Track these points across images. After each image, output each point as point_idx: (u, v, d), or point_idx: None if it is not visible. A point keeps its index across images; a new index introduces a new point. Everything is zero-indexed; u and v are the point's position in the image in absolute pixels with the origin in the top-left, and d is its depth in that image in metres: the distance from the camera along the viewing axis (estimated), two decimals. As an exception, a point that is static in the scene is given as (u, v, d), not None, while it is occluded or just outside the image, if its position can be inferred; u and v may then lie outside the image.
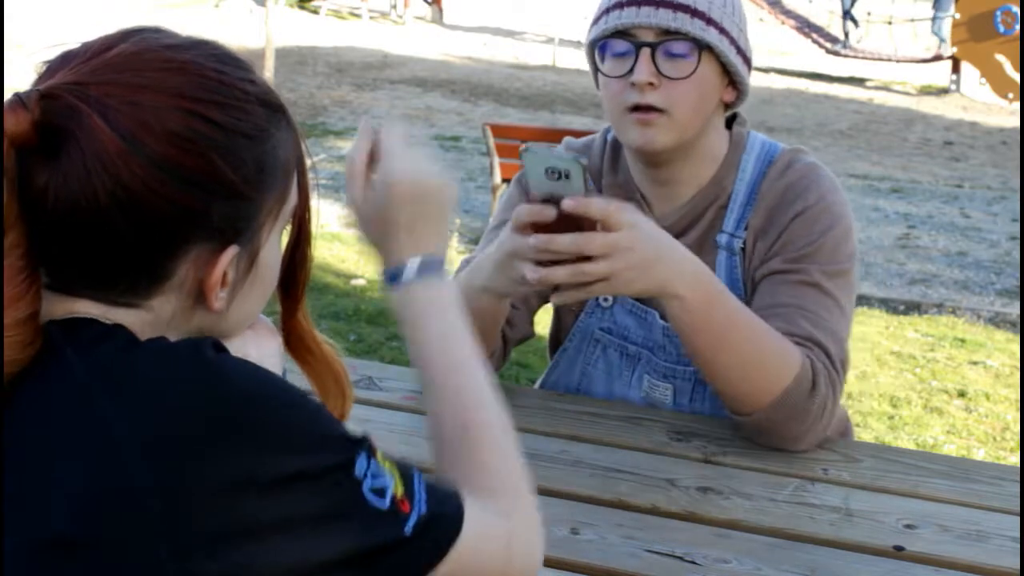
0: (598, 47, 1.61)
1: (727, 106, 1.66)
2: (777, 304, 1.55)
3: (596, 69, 1.63)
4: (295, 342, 1.00)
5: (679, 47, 1.55)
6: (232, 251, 0.85)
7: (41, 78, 0.83)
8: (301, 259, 0.97)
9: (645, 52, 1.55)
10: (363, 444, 0.84)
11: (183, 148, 0.80)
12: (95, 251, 0.81)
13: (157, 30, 0.86)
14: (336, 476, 0.81)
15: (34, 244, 0.80)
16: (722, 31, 1.57)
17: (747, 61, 1.63)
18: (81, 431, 0.76)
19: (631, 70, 1.56)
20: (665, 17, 1.54)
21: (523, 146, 1.34)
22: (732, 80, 1.62)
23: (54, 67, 0.83)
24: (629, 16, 1.56)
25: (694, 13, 1.55)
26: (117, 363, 0.80)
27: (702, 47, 1.55)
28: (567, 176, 1.32)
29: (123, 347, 0.81)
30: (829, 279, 1.57)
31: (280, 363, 1.01)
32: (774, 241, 1.61)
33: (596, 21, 1.62)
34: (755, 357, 1.47)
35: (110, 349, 0.81)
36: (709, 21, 1.56)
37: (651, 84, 1.55)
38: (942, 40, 17.54)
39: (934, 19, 17.93)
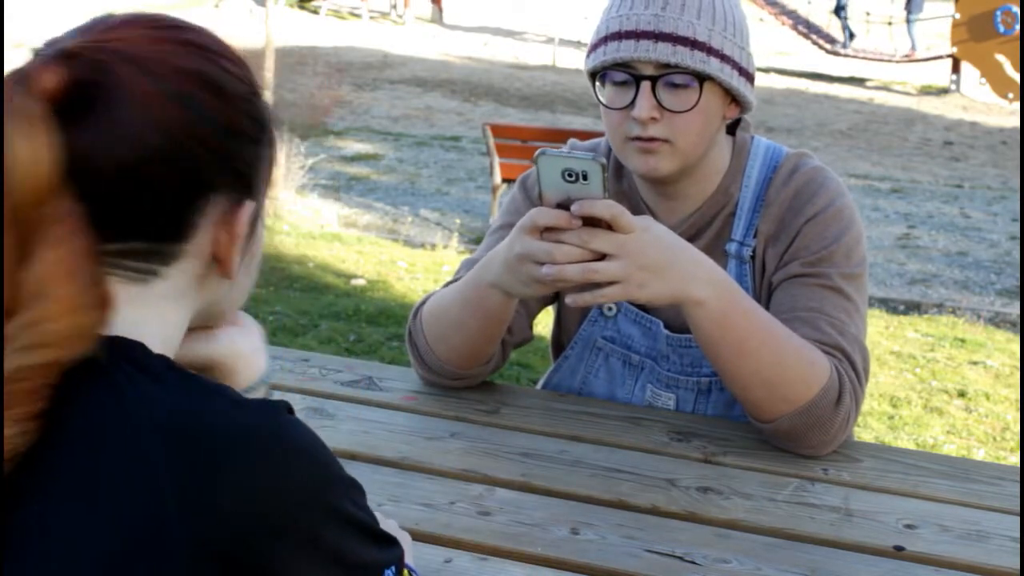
0: (597, 75, 1.58)
1: (730, 120, 1.64)
2: (799, 308, 1.54)
3: (596, 93, 1.60)
4: None
5: (680, 78, 1.52)
6: (251, 206, 0.86)
7: (46, 48, 0.81)
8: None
9: (646, 85, 1.52)
10: (396, 554, 0.86)
11: (207, 89, 0.82)
12: (130, 207, 0.80)
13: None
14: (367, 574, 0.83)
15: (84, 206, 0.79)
16: (723, 58, 1.53)
17: (750, 77, 1.59)
18: (131, 476, 0.74)
19: (632, 102, 1.53)
20: (665, 51, 1.50)
21: (538, 151, 1.32)
22: (735, 98, 1.59)
23: (52, 42, 0.82)
24: (627, 50, 1.52)
25: (694, 45, 1.51)
26: (188, 418, 0.77)
27: (704, 78, 1.52)
28: (585, 178, 1.30)
29: (194, 395, 0.79)
30: (847, 283, 1.56)
31: (266, 357, 1.01)
32: (787, 247, 1.60)
33: (594, 48, 1.57)
34: (779, 364, 1.45)
35: (177, 397, 0.78)
36: (710, 51, 1.51)
37: (653, 118, 1.52)
38: (913, 42, 17.70)
39: (908, 21, 18.05)
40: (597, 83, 1.59)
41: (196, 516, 0.73)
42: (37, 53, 0.80)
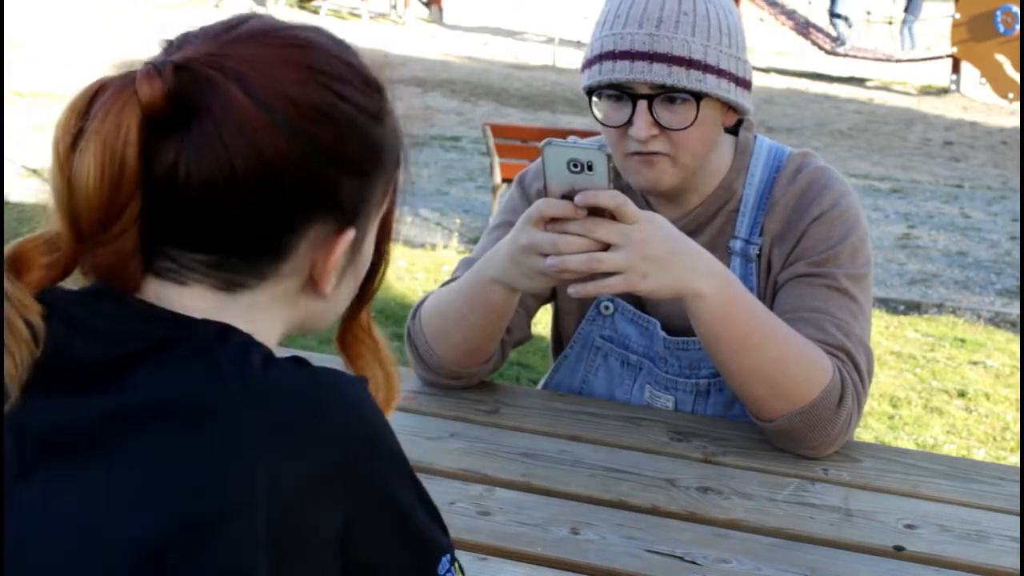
0: (593, 91, 1.57)
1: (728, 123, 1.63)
2: (803, 308, 1.54)
3: (592, 109, 1.59)
4: (352, 338, 0.99)
5: (677, 95, 1.51)
6: (351, 234, 0.85)
7: (166, 52, 0.82)
8: (383, 256, 0.95)
9: (642, 105, 1.51)
10: (449, 545, 0.87)
11: (318, 120, 0.80)
12: (223, 226, 0.80)
13: (270, 16, 0.87)
14: (425, 562, 0.84)
15: (151, 226, 0.79)
16: (720, 73, 1.51)
17: (748, 84, 1.58)
18: (215, 436, 0.75)
19: (629, 120, 1.52)
20: (660, 73, 1.49)
21: (544, 141, 1.32)
22: (733, 106, 1.58)
23: (178, 43, 0.82)
24: (622, 71, 1.50)
25: (689, 64, 1.49)
26: (276, 380, 0.79)
27: (701, 96, 1.51)
28: (590, 168, 1.30)
29: (289, 368, 0.80)
30: (853, 284, 1.56)
31: None
32: (793, 246, 1.60)
33: (589, 65, 1.56)
34: (781, 361, 1.45)
35: (274, 370, 0.80)
36: (706, 68, 1.50)
37: (653, 135, 1.52)
38: (912, 43, 17.77)
39: (904, 21, 18.10)
40: (593, 98, 1.57)
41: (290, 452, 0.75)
42: (150, 60, 0.80)
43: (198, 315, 0.81)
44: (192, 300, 0.82)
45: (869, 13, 19.47)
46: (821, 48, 18.28)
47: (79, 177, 0.77)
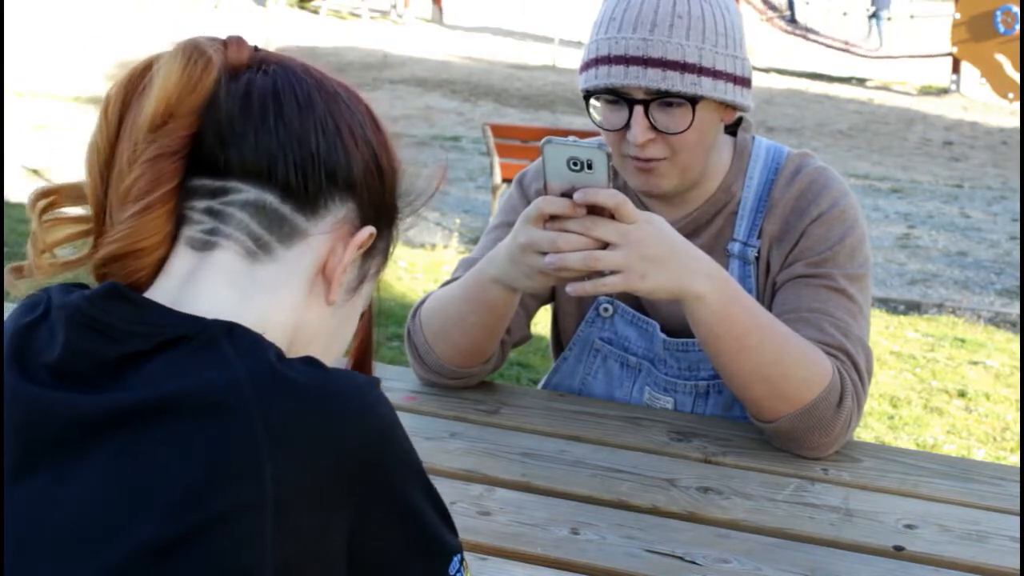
0: (590, 94, 1.56)
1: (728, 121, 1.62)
2: (802, 308, 1.54)
3: (589, 112, 1.59)
4: None
5: (673, 99, 1.50)
6: (370, 230, 0.88)
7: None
8: (368, 333, 1.00)
9: (639, 110, 1.50)
10: (460, 546, 0.87)
11: (375, 120, 0.91)
12: (281, 143, 0.84)
13: None
14: (436, 563, 0.84)
15: (206, 138, 0.83)
16: (716, 74, 1.50)
17: (747, 82, 1.57)
18: (220, 425, 0.75)
19: (627, 124, 1.51)
20: (655, 78, 1.48)
21: (544, 139, 1.32)
22: (731, 105, 1.57)
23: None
24: (617, 76, 1.49)
25: (684, 68, 1.48)
26: (289, 377, 0.78)
27: (696, 100, 1.50)
28: (590, 166, 1.31)
29: (298, 365, 0.80)
30: (851, 284, 1.56)
31: None
32: (792, 247, 1.59)
33: (585, 68, 1.55)
34: (780, 363, 1.45)
35: (279, 364, 0.79)
36: (701, 71, 1.49)
37: (650, 139, 1.52)
38: (881, 39, 17.81)
39: (873, 16, 18.12)
40: (591, 100, 1.57)
41: (288, 451, 0.75)
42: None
43: (218, 295, 0.82)
44: (216, 275, 0.83)
45: (868, 10, 19.51)
46: (812, 41, 18.28)
47: (159, 73, 0.82)
